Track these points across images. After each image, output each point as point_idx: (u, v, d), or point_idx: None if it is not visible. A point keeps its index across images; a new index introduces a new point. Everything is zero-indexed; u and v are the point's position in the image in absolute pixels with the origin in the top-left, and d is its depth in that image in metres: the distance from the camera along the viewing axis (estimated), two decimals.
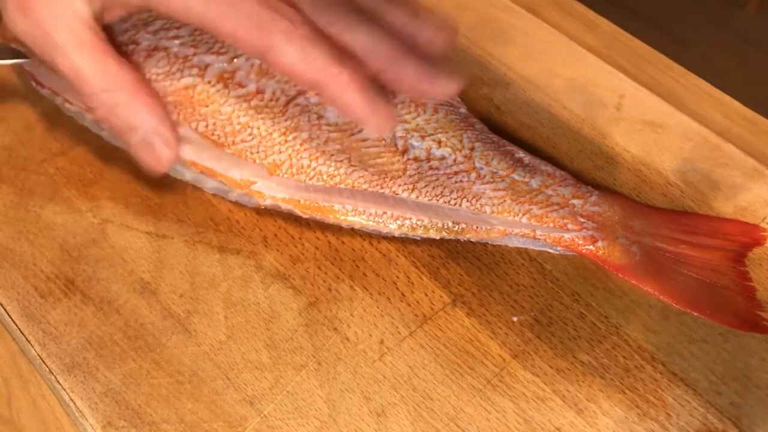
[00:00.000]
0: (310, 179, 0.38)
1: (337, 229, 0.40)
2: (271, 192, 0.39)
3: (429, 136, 0.39)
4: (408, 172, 0.39)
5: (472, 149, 0.39)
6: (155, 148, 0.34)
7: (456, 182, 0.39)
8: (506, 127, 0.45)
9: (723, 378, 0.35)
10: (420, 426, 0.34)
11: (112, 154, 0.42)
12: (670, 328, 0.37)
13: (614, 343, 0.36)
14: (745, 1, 1.37)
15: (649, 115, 0.46)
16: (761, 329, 0.37)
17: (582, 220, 0.39)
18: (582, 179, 0.41)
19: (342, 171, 0.38)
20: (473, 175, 0.39)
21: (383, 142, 0.39)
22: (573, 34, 0.50)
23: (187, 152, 0.39)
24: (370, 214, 0.38)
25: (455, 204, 0.38)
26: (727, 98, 0.47)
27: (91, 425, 0.33)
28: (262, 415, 0.34)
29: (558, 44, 0.49)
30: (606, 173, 0.43)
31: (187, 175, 0.40)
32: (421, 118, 0.39)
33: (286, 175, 0.38)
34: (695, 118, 0.46)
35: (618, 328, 0.37)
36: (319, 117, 0.38)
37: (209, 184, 0.40)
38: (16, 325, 0.36)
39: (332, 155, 0.38)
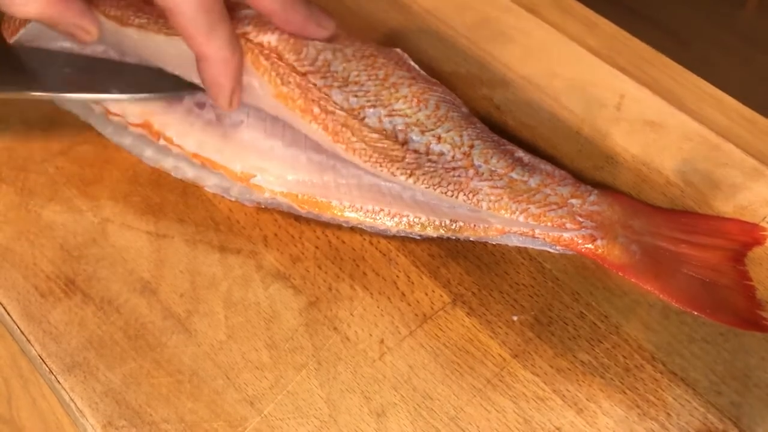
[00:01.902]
0: (314, 130, 0.38)
1: (337, 229, 0.40)
2: (270, 186, 0.39)
3: (429, 131, 0.39)
4: (407, 160, 0.38)
5: (471, 147, 0.39)
6: (78, 36, 0.37)
7: (454, 177, 0.39)
8: (506, 127, 0.45)
9: (723, 377, 0.35)
10: (420, 426, 0.34)
11: (112, 154, 0.42)
12: (670, 327, 0.37)
13: (614, 343, 0.36)
14: (745, 1, 1.37)
15: (649, 115, 0.46)
16: (761, 328, 0.37)
17: (581, 219, 0.39)
18: (582, 179, 0.41)
19: (345, 138, 0.38)
20: (471, 171, 0.39)
21: (384, 131, 0.39)
22: (573, 34, 0.50)
23: (190, 144, 0.39)
24: (367, 211, 0.39)
25: (452, 195, 0.38)
26: (727, 98, 0.47)
27: (91, 425, 0.33)
28: (262, 415, 0.34)
29: (558, 44, 0.49)
30: (606, 173, 0.43)
31: (189, 173, 0.40)
32: (422, 113, 0.39)
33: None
34: (695, 118, 0.46)
35: (618, 328, 0.37)
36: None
37: (210, 182, 0.40)
38: (17, 324, 0.36)
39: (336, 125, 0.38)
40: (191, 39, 0.34)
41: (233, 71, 0.36)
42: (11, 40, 0.42)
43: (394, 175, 0.38)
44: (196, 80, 0.39)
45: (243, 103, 0.39)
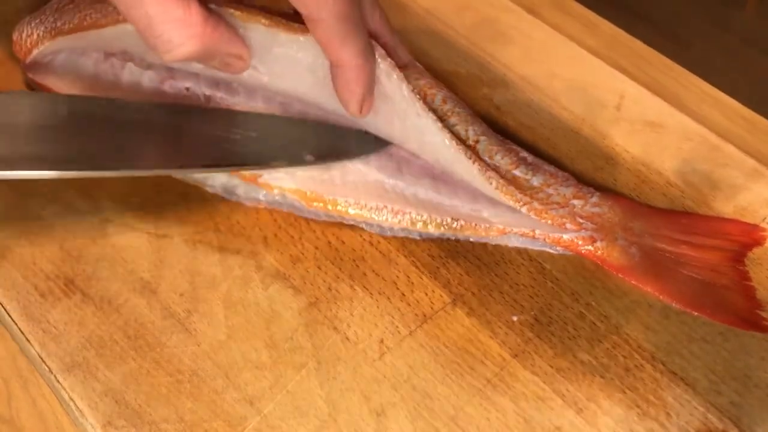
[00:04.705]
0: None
1: (337, 229, 0.40)
2: (279, 183, 0.39)
3: None
4: None
5: (476, 142, 0.40)
6: (232, 66, 0.37)
7: None
8: (506, 128, 0.45)
9: (723, 377, 0.35)
10: (420, 425, 0.34)
11: None
12: (670, 327, 0.37)
13: (614, 343, 0.36)
14: (745, 2, 1.37)
15: (649, 116, 0.46)
16: (761, 328, 0.37)
17: (581, 220, 0.39)
18: (582, 180, 0.41)
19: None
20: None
21: None
22: (573, 34, 0.50)
23: None
24: (371, 208, 0.39)
25: (470, 158, 0.38)
26: (727, 98, 0.47)
27: (91, 425, 0.33)
28: (261, 415, 0.34)
29: (558, 45, 0.49)
30: (606, 174, 0.43)
31: (196, 173, 0.40)
32: None
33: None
34: (695, 118, 0.46)
35: (618, 328, 0.37)
36: None
37: (216, 182, 0.40)
38: (16, 324, 0.36)
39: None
40: (328, 45, 0.35)
41: (366, 79, 0.36)
42: (27, 60, 0.43)
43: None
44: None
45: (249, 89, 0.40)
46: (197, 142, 0.38)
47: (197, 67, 0.40)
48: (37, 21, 0.42)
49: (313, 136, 0.40)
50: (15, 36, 0.43)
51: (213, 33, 0.34)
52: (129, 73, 0.42)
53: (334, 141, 0.40)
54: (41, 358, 0.35)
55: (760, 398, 0.35)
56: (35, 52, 0.42)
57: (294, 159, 0.38)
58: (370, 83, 0.37)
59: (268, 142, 0.39)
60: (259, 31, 0.37)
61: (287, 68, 0.38)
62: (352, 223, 0.39)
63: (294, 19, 0.37)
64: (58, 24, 0.41)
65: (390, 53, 0.38)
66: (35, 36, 0.42)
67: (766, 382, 0.35)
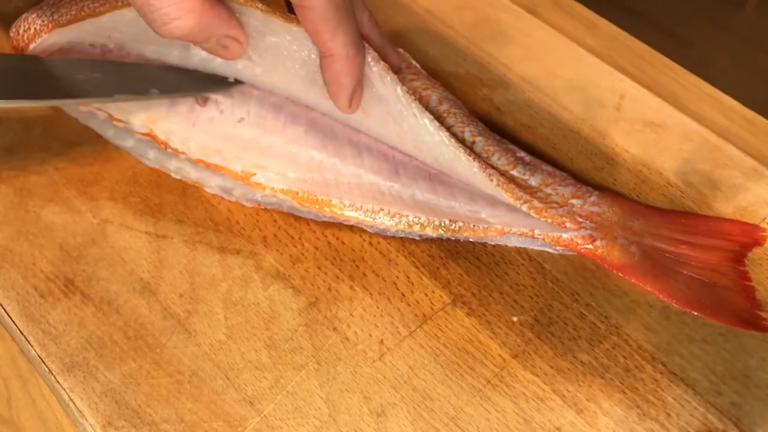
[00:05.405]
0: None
1: (336, 230, 0.40)
2: (270, 183, 0.39)
3: None
4: None
5: (473, 143, 0.40)
6: (229, 49, 0.37)
7: None
8: (506, 128, 0.45)
9: (723, 378, 0.35)
10: (420, 426, 0.34)
11: (112, 155, 0.42)
12: (670, 327, 0.37)
13: (614, 343, 0.36)
14: (745, 2, 1.37)
15: (649, 116, 0.46)
16: (761, 328, 0.37)
17: (580, 219, 0.39)
18: (582, 180, 0.41)
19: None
20: None
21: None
22: (573, 34, 0.50)
23: (194, 149, 0.39)
24: (367, 210, 0.38)
25: (471, 155, 0.38)
26: (727, 98, 0.47)
27: (91, 425, 0.33)
28: (262, 415, 0.34)
29: (558, 45, 0.49)
30: (606, 174, 0.43)
31: (193, 174, 0.40)
32: None
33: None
34: (695, 118, 0.46)
35: (618, 328, 0.37)
36: None
37: (213, 183, 0.40)
38: (16, 325, 0.36)
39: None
40: (318, 35, 0.34)
41: (356, 70, 0.36)
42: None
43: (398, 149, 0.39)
44: (152, 51, 0.39)
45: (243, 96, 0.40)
46: (44, 82, 0.38)
47: (194, 60, 0.40)
48: (34, 16, 0.42)
49: (158, 76, 0.40)
50: (12, 32, 0.43)
51: (211, 10, 0.33)
52: None
53: (180, 78, 0.40)
54: (41, 359, 0.35)
55: (760, 398, 0.35)
56: (32, 46, 0.42)
57: (138, 92, 0.38)
58: (360, 75, 0.36)
59: (112, 80, 0.39)
60: (255, 16, 0.37)
61: (280, 60, 0.38)
62: (349, 224, 0.39)
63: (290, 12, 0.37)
64: (56, 17, 0.41)
65: (381, 57, 0.37)
66: (32, 30, 0.42)
67: (766, 383, 0.35)
